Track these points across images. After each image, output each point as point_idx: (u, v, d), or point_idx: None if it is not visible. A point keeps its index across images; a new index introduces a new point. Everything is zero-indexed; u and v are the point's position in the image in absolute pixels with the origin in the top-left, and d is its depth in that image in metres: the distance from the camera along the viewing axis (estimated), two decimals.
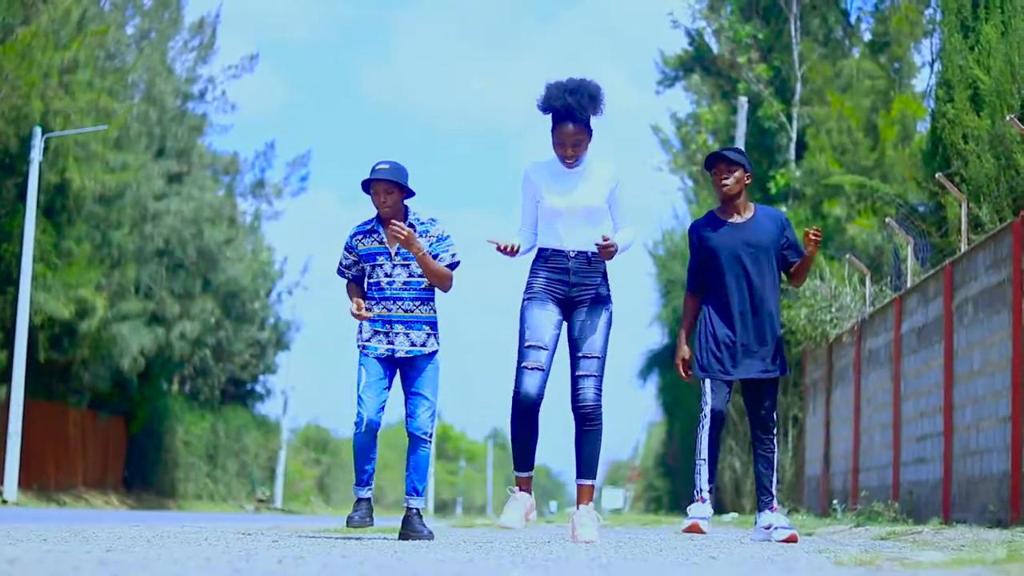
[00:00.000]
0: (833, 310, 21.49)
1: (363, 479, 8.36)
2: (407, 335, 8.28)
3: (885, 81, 29.36)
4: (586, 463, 7.96)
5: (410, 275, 8.31)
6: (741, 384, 9.29)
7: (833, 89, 29.25)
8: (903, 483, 15.91)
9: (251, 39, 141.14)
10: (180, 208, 37.66)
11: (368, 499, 8.34)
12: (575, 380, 7.89)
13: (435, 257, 8.26)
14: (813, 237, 8.87)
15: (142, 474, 41.59)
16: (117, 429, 39.87)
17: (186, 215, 37.89)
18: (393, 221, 8.13)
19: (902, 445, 16.08)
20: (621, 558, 5.64)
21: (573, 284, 7.92)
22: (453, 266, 8.33)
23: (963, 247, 14.37)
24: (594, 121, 7.89)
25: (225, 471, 48.62)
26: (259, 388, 52.44)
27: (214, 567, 4.39)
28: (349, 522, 8.17)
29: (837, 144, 27.60)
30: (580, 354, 7.90)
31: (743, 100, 29.74)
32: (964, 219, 14.73)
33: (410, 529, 8.18)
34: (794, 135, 30.84)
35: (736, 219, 9.17)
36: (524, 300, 7.98)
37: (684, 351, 9.23)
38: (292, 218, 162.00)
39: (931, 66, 26.43)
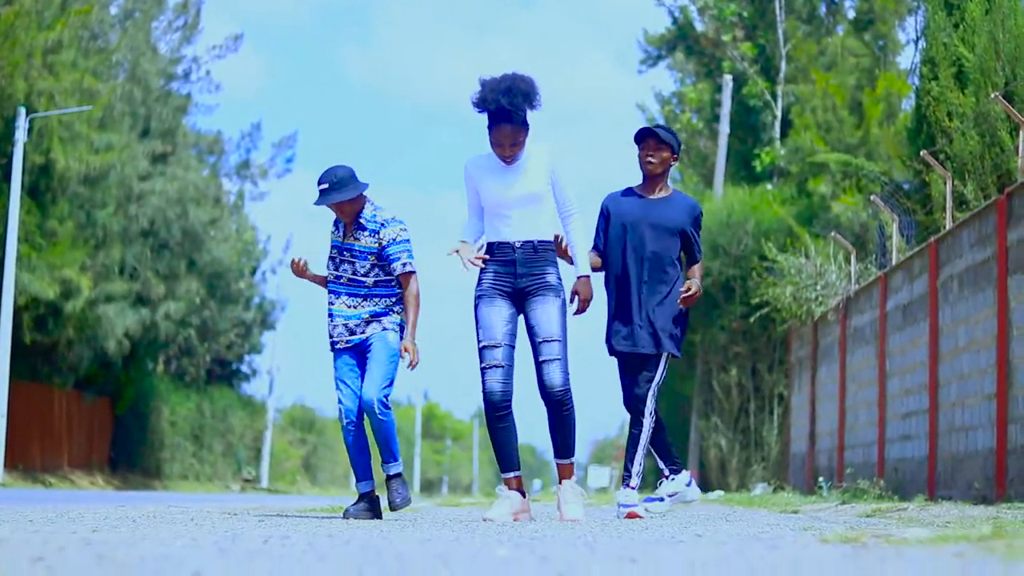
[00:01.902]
0: (818, 288, 21.52)
1: (358, 472, 8.26)
2: (345, 326, 8.24)
3: (870, 59, 29.38)
4: (563, 444, 8.01)
5: (354, 272, 8.26)
6: (630, 358, 8.89)
7: (818, 67, 29.26)
8: (888, 460, 15.95)
9: (235, 20, 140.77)
10: (165, 188, 37.54)
11: (368, 493, 8.20)
12: (539, 366, 7.89)
13: (389, 259, 8.15)
14: (684, 295, 8.77)
15: (128, 454, 41.54)
16: (102, 410, 39.83)
17: (171, 195, 37.76)
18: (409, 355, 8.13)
19: (887, 422, 16.11)
20: (607, 536, 5.65)
21: (521, 275, 7.91)
22: (406, 275, 8.17)
23: (948, 224, 14.39)
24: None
25: (211, 451, 48.56)
26: (244, 368, 52.36)
27: (200, 547, 4.38)
28: (345, 514, 8.08)
29: (822, 122, 27.61)
30: (540, 340, 7.88)
31: (728, 78, 29.73)
32: (949, 196, 14.75)
33: (388, 495, 8.23)
34: (779, 113, 30.86)
35: (651, 196, 8.99)
36: (475, 300, 8.00)
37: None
38: (276, 199, 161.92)
39: (915, 44, 26.43)
